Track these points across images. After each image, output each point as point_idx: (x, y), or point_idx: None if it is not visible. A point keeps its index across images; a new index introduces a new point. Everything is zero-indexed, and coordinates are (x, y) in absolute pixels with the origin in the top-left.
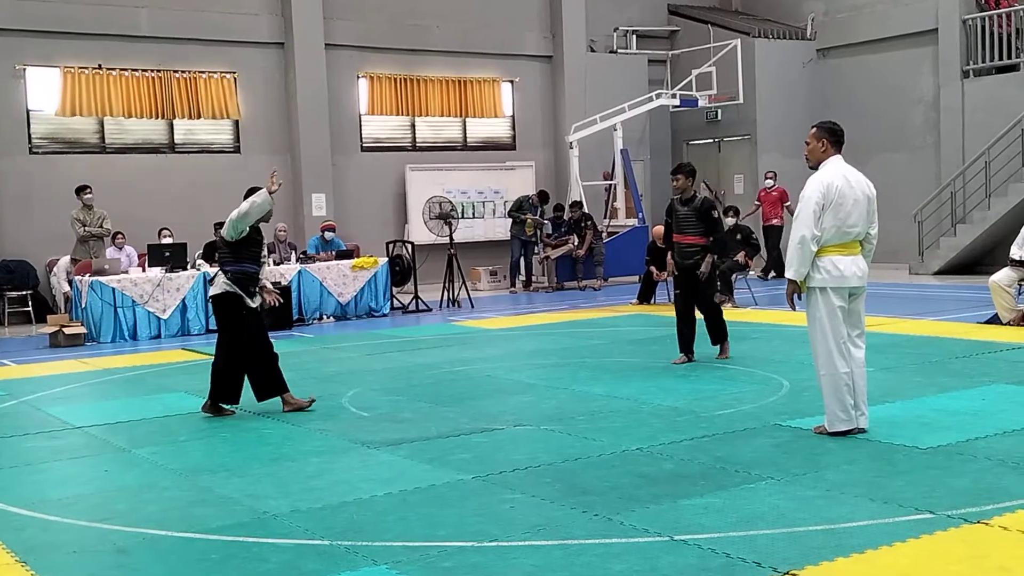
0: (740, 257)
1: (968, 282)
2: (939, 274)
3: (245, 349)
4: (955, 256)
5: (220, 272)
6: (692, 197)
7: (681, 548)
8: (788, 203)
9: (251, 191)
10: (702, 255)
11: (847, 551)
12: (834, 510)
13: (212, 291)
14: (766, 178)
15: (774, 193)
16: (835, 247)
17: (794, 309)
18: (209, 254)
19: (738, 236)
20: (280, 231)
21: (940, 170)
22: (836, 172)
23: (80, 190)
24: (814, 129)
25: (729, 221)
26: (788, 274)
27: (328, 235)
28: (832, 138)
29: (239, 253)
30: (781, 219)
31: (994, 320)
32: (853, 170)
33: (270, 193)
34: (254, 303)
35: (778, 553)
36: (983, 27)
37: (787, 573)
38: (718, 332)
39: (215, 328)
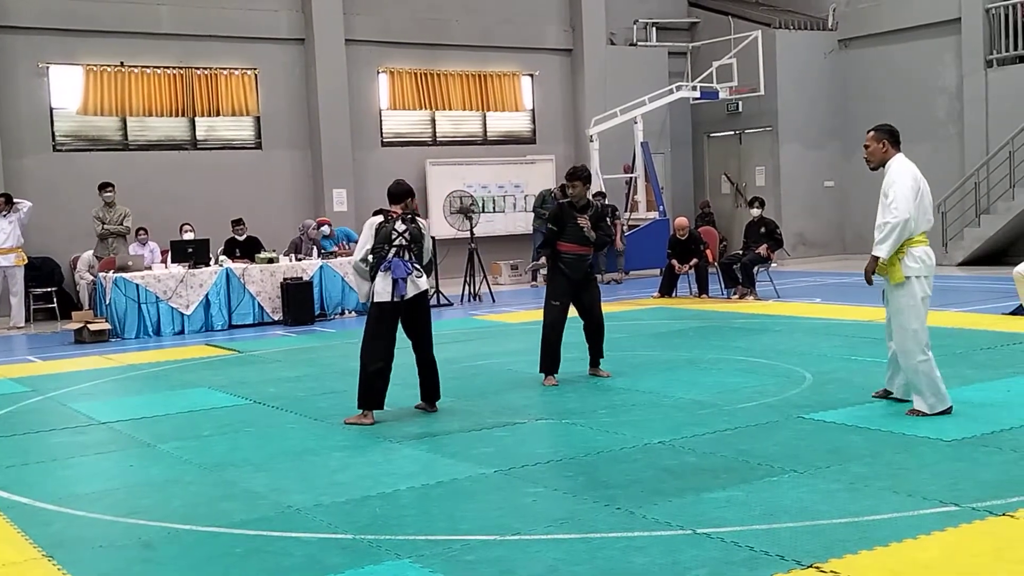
0: (762, 250)
1: (992, 273)
2: (963, 265)
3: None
4: (979, 247)
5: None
6: (588, 204)
7: (704, 541)
8: None
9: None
10: (591, 266)
11: (871, 544)
12: (858, 503)
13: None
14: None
15: None
16: (920, 237)
17: (870, 284)
18: (230, 250)
19: (762, 229)
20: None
21: (964, 160)
22: (911, 164)
23: (101, 187)
24: (872, 132)
25: (755, 212)
26: (880, 253)
27: (325, 229)
28: (892, 139)
29: None
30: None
31: (1019, 311)
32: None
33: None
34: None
35: (801, 546)
36: (1006, 16)
37: (811, 566)
38: (600, 349)
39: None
